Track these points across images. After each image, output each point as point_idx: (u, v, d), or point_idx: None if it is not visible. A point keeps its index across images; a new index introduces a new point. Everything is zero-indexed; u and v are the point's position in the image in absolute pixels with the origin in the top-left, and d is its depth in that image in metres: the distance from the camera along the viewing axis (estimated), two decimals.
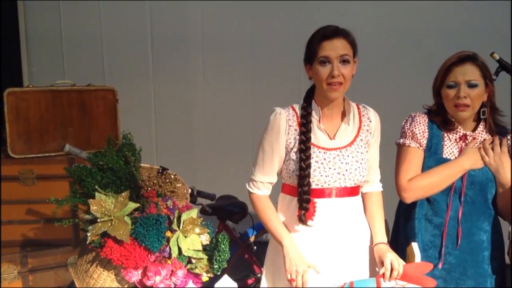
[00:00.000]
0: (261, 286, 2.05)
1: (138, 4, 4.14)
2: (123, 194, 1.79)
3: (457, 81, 2.00)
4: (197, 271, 1.84)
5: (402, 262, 1.83)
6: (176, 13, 4.16)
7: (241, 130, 4.13)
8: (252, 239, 3.27)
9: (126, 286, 1.83)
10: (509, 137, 2.08)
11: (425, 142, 2.08)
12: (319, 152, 1.87)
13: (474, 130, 2.09)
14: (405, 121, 2.15)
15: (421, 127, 2.09)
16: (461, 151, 2.07)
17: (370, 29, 3.85)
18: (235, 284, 1.74)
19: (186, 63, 4.21)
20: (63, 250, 2.83)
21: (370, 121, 1.97)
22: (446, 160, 2.05)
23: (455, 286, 2.06)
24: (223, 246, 1.86)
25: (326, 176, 1.85)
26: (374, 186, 2.04)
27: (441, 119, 2.08)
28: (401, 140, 2.12)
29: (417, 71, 3.71)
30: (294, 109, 1.93)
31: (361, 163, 1.90)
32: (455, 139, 2.08)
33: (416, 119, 2.11)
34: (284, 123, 1.89)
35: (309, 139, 1.86)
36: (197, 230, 1.83)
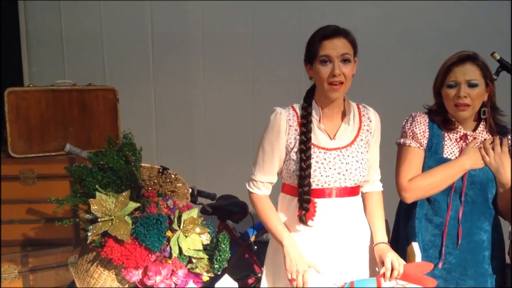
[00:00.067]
0: (261, 286, 2.05)
1: (138, 4, 4.14)
2: (124, 193, 1.79)
3: (458, 80, 2.00)
4: (197, 270, 1.84)
5: (402, 261, 1.83)
6: (176, 13, 4.16)
7: (242, 130, 4.13)
8: (252, 238, 3.28)
9: (126, 285, 1.83)
10: (509, 137, 2.08)
11: (425, 142, 2.08)
12: (319, 152, 1.87)
13: (474, 130, 2.09)
14: (405, 121, 2.15)
15: (421, 127, 2.09)
16: (461, 151, 2.07)
17: (371, 29, 3.85)
18: (235, 284, 1.74)
19: (186, 63, 4.22)
20: (63, 250, 2.83)
21: (370, 121, 1.97)
22: (447, 160, 2.05)
23: (455, 286, 2.06)
24: (224, 246, 1.86)
25: (326, 176, 1.85)
26: (374, 186, 2.04)
27: (442, 118, 2.08)
28: (402, 140, 2.12)
29: (417, 71, 3.72)
30: (294, 109, 1.93)
31: (361, 163, 1.90)
32: (456, 139, 2.08)
33: (417, 119, 2.11)
34: (285, 123, 1.89)
35: (309, 139, 1.86)
36: (198, 229, 1.83)
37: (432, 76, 2.11)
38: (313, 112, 1.90)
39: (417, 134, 2.08)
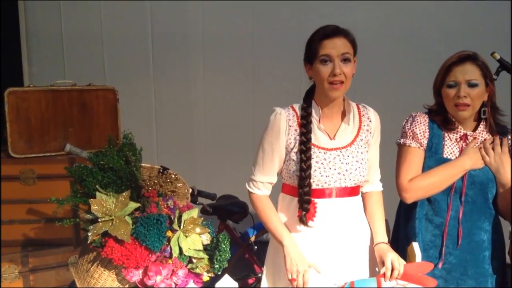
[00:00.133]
0: (262, 286, 2.05)
1: (138, 3, 4.14)
2: (124, 193, 1.79)
3: (457, 80, 2.00)
4: (198, 270, 1.85)
5: (402, 261, 1.83)
6: (176, 13, 4.16)
7: (242, 130, 4.13)
8: (252, 238, 3.28)
9: (127, 285, 1.83)
10: (509, 137, 2.08)
11: (425, 142, 2.08)
12: (319, 152, 1.87)
13: (474, 129, 2.09)
14: (405, 121, 2.15)
15: (421, 127, 2.09)
16: (461, 151, 2.07)
17: (371, 29, 3.85)
18: (235, 284, 1.74)
19: (186, 62, 4.22)
20: (64, 250, 2.83)
21: (370, 121, 1.97)
22: (447, 160, 2.05)
23: (455, 286, 2.06)
24: (224, 246, 1.86)
25: (326, 176, 1.85)
26: (374, 185, 2.04)
27: (442, 118, 2.08)
28: (402, 140, 2.12)
29: (417, 70, 3.72)
30: (294, 109, 1.93)
31: (361, 163, 1.90)
32: (456, 139, 2.08)
33: (417, 119, 2.11)
34: (284, 123, 1.89)
35: (309, 139, 1.86)
36: (198, 229, 1.83)
37: (432, 76, 2.11)
38: (313, 112, 1.90)
39: (417, 134, 2.08)
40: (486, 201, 2.05)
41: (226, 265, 1.87)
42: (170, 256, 1.78)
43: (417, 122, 2.10)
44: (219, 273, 1.87)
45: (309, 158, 1.84)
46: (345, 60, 1.80)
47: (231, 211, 3.23)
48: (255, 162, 1.96)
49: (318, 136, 1.89)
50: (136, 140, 1.99)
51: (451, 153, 2.07)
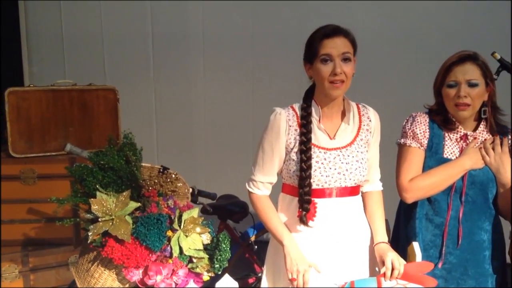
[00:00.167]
0: (262, 285, 2.05)
1: (139, 3, 4.14)
2: (124, 193, 1.79)
3: (458, 80, 2.00)
4: (198, 270, 1.85)
5: (403, 261, 1.83)
6: (177, 13, 4.16)
7: (242, 129, 4.13)
8: (252, 238, 3.28)
9: (127, 285, 1.84)
10: (509, 137, 2.08)
11: (426, 142, 2.08)
12: (319, 152, 1.87)
13: (475, 129, 2.09)
14: (406, 121, 2.15)
15: (422, 127, 2.09)
16: (462, 151, 2.07)
17: (371, 29, 3.85)
18: (236, 284, 1.74)
19: (187, 62, 4.22)
20: (64, 250, 2.83)
21: (370, 121, 1.97)
22: (447, 160, 2.05)
23: (456, 286, 2.06)
24: (224, 246, 1.86)
25: (326, 176, 1.85)
26: (374, 185, 2.04)
27: (442, 118, 2.08)
28: (402, 140, 2.12)
29: (417, 70, 3.72)
30: (294, 109, 1.93)
31: (361, 162, 1.90)
32: (456, 139, 2.08)
33: (417, 119, 2.11)
34: (284, 123, 1.89)
35: (309, 139, 1.86)
36: (198, 229, 1.83)
37: (432, 76, 2.11)
38: (313, 112, 1.90)
39: (417, 134, 2.08)
40: (486, 201, 2.05)
41: (226, 265, 1.87)
42: (171, 256, 1.78)
43: (418, 122, 2.10)
44: (219, 272, 1.87)
45: (309, 158, 1.84)
46: (346, 59, 1.80)
47: (231, 211, 3.23)
48: (255, 162, 1.96)
49: (318, 136, 1.89)
50: (136, 139, 1.99)
51: (451, 153, 2.07)
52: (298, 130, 1.89)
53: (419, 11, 3.86)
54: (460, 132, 2.08)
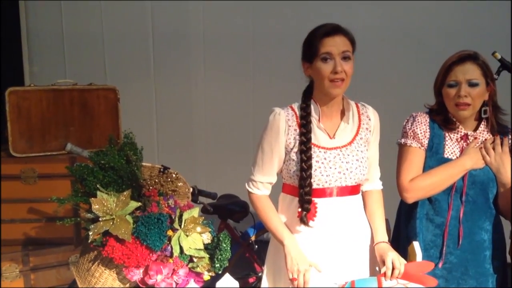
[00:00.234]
0: (262, 285, 2.05)
1: (139, 3, 4.14)
2: (125, 193, 1.80)
3: (458, 80, 2.00)
4: (198, 270, 1.85)
5: (403, 261, 1.83)
6: (177, 12, 4.16)
7: (242, 129, 4.13)
8: (253, 238, 3.28)
9: (127, 285, 1.84)
10: (510, 137, 2.08)
11: (426, 142, 2.08)
12: (319, 151, 1.86)
13: (475, 129, 2.09)
14: (406, 121, 2.15)
15: (422, 127, 2.09)
16: (462, 151, 2.07)
17: (371, 29, 3.84)
18: (236, 283, 1.74)
19: (187, 62, 4.22)
20: (64, 249, 2.84)
21: (370, 119, 1.96)
22: (448, 160, 2.05)
23: (456, 286, 2.06)
24: (225, 245, 1.86)
25: (327, 175, 1.85)
26: (374, 184, 2.04)
27: (442, 118, 2.08)
28: (403, 140, 2.12)
29: (418, 70, 3.72)
30: (293, 109, 1.92)
31: (361, 161, 1.90)
32: (456, 139, 2.08)
33: (417, 119, 2.11)
34: (284, 123, 1.88)
35: (309, 139, 1.85)
36: (199, 229, 1.83)
37: (432, 76, 2.11)
38: (312, 111, 1.89)
39: (418, 134, 2.08)
40: (486, 201, 2.05)
41: (227, 264, 1.87)
42: (171, 255, 1.79)
43: (418, 122, 2.10)
44: (220, 272, 1.87)
45: (309, 158, 1.83)
46: (346, 58, 1.80)
47: (232, 210, 3.23)
48: (254, 163, 1.96)
49: (318, 136, 1.88)
50: (136, 139, 1.99)
51: (451, 153, 2.07)
52: (298, 130, 1.88)
53: (419, 11, 3.86)
54: (461, 132, 2.08)
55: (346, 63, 1.80)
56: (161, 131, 4.32)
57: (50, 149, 2.94)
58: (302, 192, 1.84)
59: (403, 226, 2.17)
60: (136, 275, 1.76)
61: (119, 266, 1.78)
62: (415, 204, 2.08)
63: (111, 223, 1.73)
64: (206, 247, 1.86)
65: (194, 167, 4.23)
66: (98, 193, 1.79)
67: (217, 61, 4.19)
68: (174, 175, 1.97)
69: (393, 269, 1.81)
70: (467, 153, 2.04)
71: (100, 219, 1.74)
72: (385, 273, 1.81)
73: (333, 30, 1.82)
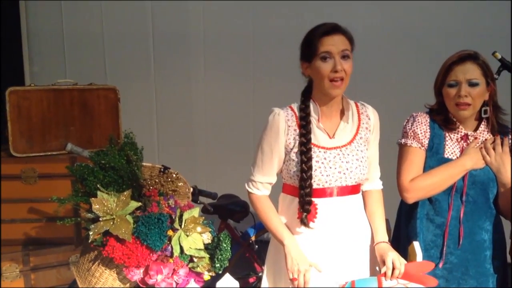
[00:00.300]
0: (262, 285, 2.05)
1: (139, 3, 4.14)
2: (125, 193, 1.80)
3: (458, 80, 2.00)
4: (198, 270, 1.85)
5: (403, 261, 1.83)
6: (177, 12, 4.16)
7: (243, 129, 4.13)
8: (253, 238, 3.28)
9: (128, 285, 1.84)
10: (510, 137, 2.08)
11: (426, 142, 2.08)
12: (319, 151, 1.86)
13: (475, 129, 2.09)
14: (406, 121, 2.15)
15: (422, 127, 2.09)
16: (462, 151, 2.07)
17: (371, 29, 3.85)
18: (236, 283, 1.74)
19: (187, 62, 4.22)
20: (65, 249, 2.84)
21: (369, 119, 1.96)
22: (448, 160, 2.05)
23: (457, 286, 2.06)
24: (225, 245, 1.86)
25: (327, 175, 1.85)
26: (374, 183, 2.04)
27: (443, 118, 2.08)
28: (403, 140, 2.12)
29: (418, 70, 3.71)
30: (292, 109, 1.92)
31: (361, 161, 1.90)
32: (457, 139, 2.08)
33: (418, 119, 2.11)
34: (283, 123, 1.88)
35: (309, 140, 1.85)
36: (199, 229, 1.84)
37: (432, 76, 2.11)
38: (312, 111, 1.89)
39: (418, 134, 2.08)
40: (487, 201, 2.06)
41: (227, 264, 1.87)
42: (171, 255, 1.79)
43: (418, 122, 2.10)
44: (220, 272, 1.87)
45: (309, 159, 1.83)
46: (345, 56, 1.80)
47: (232, 210, 3.23)
48: (254, 163, 1.95)
49: (317, 135, 1.88)
50: (137, 139, 1.99)
51: (452, 153, 2.07)
52: (297, 130, 1.88)
53: (419, 11, 3.86)
54: (461, 132, 2.08)
55: (345, 62, 1.80)
56: (161, 131, 4.32)
57: (50, 149, 2.94)
58: (303, 193, 1.84)
59: (403, 226, 2.17)
60: (137, 275, 1.76)
61: (120, 266, 1.78)
62: (416, 204, 2.09)
63: (112, 223, 1.73)
64: (207, 247, 1.86)
65: (194, 167, 4.24)
66: (99, 193, 1.79)
67: (217, 61, 4.19)
68: (174, 175, 1.97)
69: (393, 269, 1.81)
70: (467, 153, 2.04)
71: (100, 219, 1.74)
72: (385, 273, 1.81)
73: (331, 29, 1.82)
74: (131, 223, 1.75)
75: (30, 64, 4.24)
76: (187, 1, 4.13)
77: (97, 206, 1.75)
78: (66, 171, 1.96)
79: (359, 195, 1.97)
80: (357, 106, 1.97)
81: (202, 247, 1.83)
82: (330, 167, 1.85)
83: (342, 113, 1.92)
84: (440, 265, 2.04)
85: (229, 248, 1.88)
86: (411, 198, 2.06)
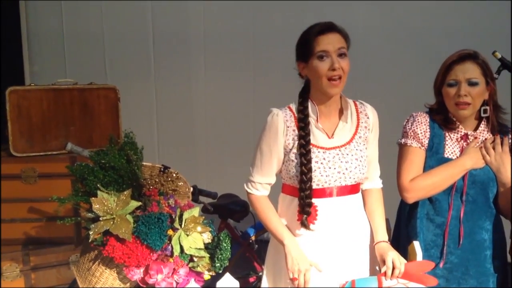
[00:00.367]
0: (262, 285, 2.05)
1: (139, 3, 4.14)
2: (125, 192, 1.80)
3: (458, 79, 2.00)
4: (199, 269, 1.85)
5: (403, 260, 1.83)
6: (177, 12, 4.16)
7: (243, 129, 4.13)
8: (253, 237, 3.28)
9: (128, 284, 1.84)
10: (510, 136, 2.08)
11: (426, 141, 2.08)
12: (319, 152, 1.86)
13: (475, 129, 2.09)
14: (406, 120, 2.15)
15: (422, 126, 2.09)
16: (462, 151, 2.07)
17: (371, 29, 3.85)
18: (236, 283, 1.74)
19: (187, 61, 4.22)
20: (65, 249, 2.84)
21: (368, 118, 1.95)
22: (448, 160, 2.05)
23: (457, 286, 2.06)
24: (225, 245, 1.86)
25: (326, 175, 1.84)
26: (373, 182, 2.04)
27: (443, 118, 2.08)
28: (403, 140, 2.12)
29: (418, 70, 3.71)
30: (291, 110, 1.92)
31: (360, 160, 1.90)
32: (457, 139, 2.08)
33: (418, 119, 2.10)
34: (282, 124, 1.88)
35: (308, 142, 1.84)
36: (199, 228, 1.84)
37: (432, 75, 2.11)
38: (310, 112, 1.88)
39: (418, 134, 2.08)
40: (487, 201, 2.05)
41: (227, 264, 1.87)
42: (171, 255, 1.79)
43: (418, 121, 2.10)
44: (220, 271, 1.87)
45: (309, 161, 1.82)
46: (341, 54, 1.80)
47: (232, 210, 3.23)
48: (253, 164, 1.95)
49: (316, 136, 1.88)
50: (137, 139, 1.99)
51: (452, 152, 2.07)
52: (296, 131, 1.88)
53: (419, 11, 3.86)
54: (461, 131, 2.08)
55: (342, 60, 1.80)
56: (161, 130, 4.32)
57: (50, 148, 2.95)
58: (303, 195, 1.83)
59: (404, 225, 2.17)
60: (137, 274, 1.76)
61: (120, 266, 1.78)
62: (416, 204, 2.09)
63: (112, 222, 1.74)
64: (207, 247, 1.86)
65: (194, 167, 4.23)
66: (99, 192, 1.79)
67: (218, 61, 4.19)
68: (174, 175, 1.98)
69: (393, 268, 1.81)
70: (467, 152, 2.04)
71: (100, 218, 1.75)
72: (385, 273, 1.82)
73: (327, 28, 1.81)
74: (131, 222, 1.75)
75: (30, 64, 4.24)
76: (187, 1, 4.13)
77: (97, 206, 1.75)
78: (66, 171, 1.96)
79: (359, 195, 1.97)
80: (355, 105, 1.97)
81: (202, 246, 1.83)
82: (330, 167, 1.85)
83: (341, 112, 1.92)
84: (441, 264, 2.04)
85: (229, 247, 1.88)
86: (411, 198, 2.06)
